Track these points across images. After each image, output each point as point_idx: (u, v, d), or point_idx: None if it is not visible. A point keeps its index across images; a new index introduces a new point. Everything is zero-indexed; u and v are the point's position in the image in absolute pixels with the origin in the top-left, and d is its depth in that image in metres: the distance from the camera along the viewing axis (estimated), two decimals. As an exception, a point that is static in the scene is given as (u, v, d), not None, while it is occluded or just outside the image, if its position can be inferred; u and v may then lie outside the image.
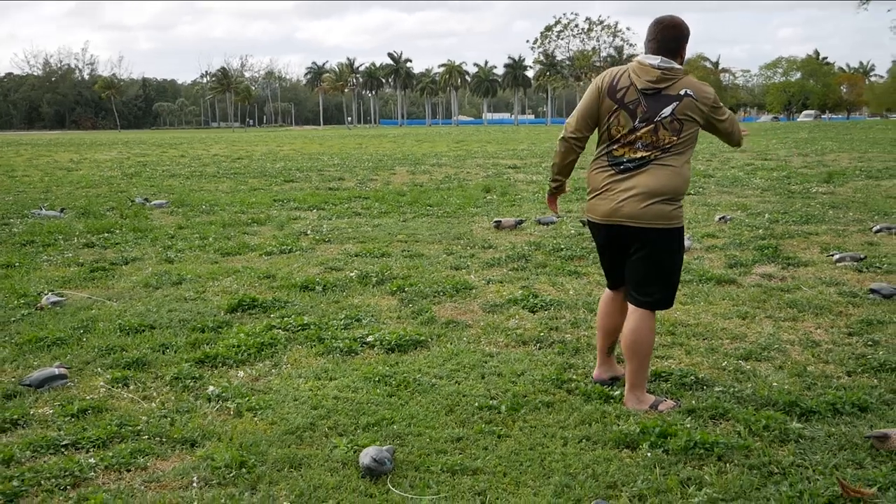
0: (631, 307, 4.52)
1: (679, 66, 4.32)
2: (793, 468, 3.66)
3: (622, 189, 4.34)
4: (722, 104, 4.44)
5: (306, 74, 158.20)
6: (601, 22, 69.85)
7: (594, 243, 4.81)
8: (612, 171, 4.40)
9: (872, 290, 6.85)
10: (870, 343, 5.63)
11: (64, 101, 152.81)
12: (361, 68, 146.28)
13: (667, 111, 4.26)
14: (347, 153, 25.28)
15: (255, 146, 39.46)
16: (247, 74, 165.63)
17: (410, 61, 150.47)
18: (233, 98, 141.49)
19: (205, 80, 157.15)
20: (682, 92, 4.26)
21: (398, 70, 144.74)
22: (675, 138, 4.28)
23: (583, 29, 68.99)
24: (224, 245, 9.46)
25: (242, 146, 40.06)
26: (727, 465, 3.71)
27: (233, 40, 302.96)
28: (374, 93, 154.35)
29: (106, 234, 10.36)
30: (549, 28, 69.25)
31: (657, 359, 5.24)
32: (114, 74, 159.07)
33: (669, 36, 4.32)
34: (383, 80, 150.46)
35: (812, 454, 3.82)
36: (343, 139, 39.66)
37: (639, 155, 4.32)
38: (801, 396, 4.57)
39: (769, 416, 4.21)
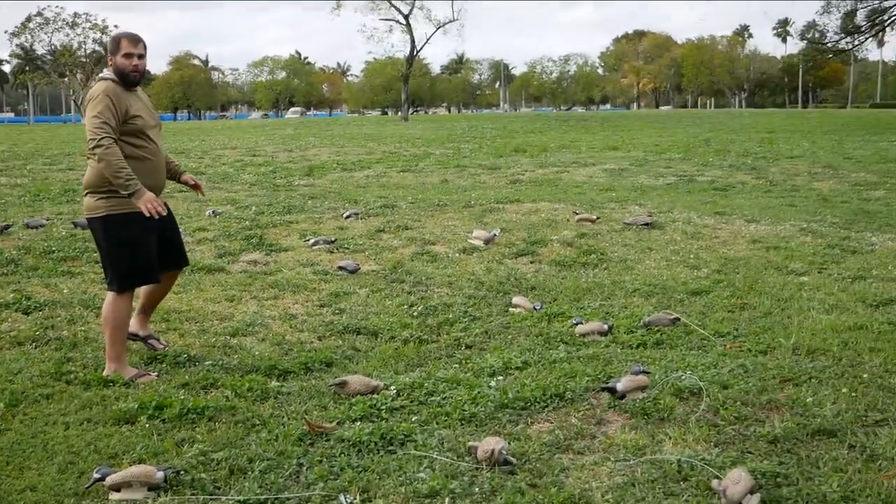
0: None
1: (101, 74, 5.13)
2: (272, 419, 4.36)
3: None
4: (94, 104, 4.92)
5: None
6: (88, 17, 67.01)
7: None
8: None
9: (340, 267, 7.94)
10: (337, 311, 6.64)
11: None
12: None
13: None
14: None
15: None
16: None
17: None
18: None
19: None
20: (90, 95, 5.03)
21: None
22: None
23: (67, 22, 65.60)
24: None
25: None
26: (217, 423, 4.29)
27: None
28: None
29: None
30: (29, 19, 64.77)
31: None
32: None
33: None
34: None
35: (288, 406, 4.56)
36: None
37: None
38: (280, 361, 5.38)
39: (252, 379, 4.91)
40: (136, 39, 5.08)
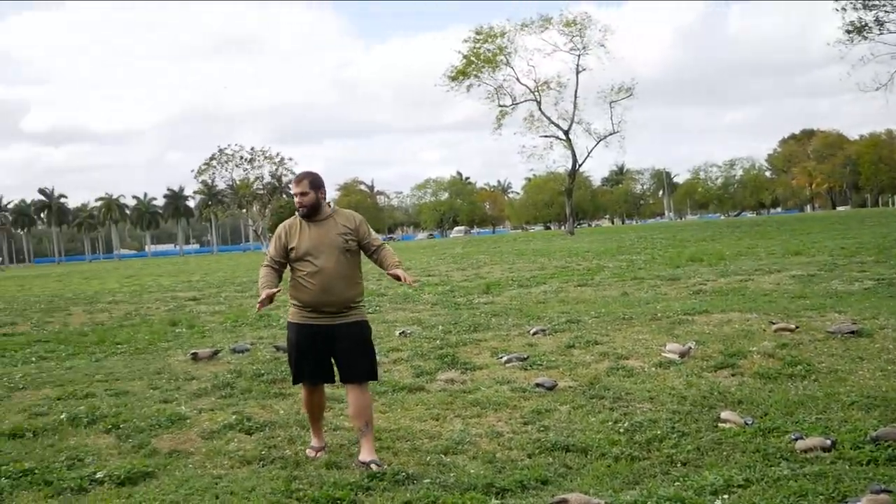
0: None
1: None
2: (498, 537, 4.41)
3: None
4: None
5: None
6: (263, 151, 71.81)
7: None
8: None
9: (538, 384, 7.97)
10: (542, 429, 6.67)
11: None
12: (10, 205, 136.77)
13: None
14: (12, 296, 23.77)
15: None
16: None
17: (65, 196, 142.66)
18: None
19: None
20: None
21: (51, 206, 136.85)
22: None
23: (245, 158, 70.44)
24: None
25: None
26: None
27: None
28: (26, 230, 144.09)
29: None
30: (213, 157, 69.89)
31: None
32: None
33: None
34: (35, 217, 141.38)
35: (512, 524, 4.60)
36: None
37: None
38: (495, 478, 5.43)
39: (472, 497, 4.99)
40: (298, 179, 5.99)
